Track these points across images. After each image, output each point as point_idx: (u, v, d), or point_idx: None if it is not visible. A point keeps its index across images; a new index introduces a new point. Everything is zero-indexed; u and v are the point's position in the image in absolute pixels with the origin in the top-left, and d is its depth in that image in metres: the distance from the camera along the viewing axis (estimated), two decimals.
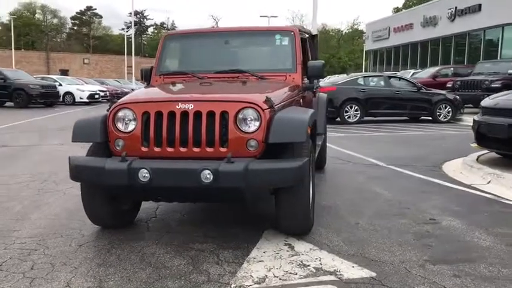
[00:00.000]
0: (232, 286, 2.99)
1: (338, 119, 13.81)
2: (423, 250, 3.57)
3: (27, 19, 75.93)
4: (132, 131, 3.65)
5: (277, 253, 3.53)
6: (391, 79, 14.66)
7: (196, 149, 3.55)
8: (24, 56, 55.59)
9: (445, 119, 14.01)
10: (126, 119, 3.69)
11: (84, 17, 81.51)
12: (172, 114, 3.57)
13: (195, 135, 3.54)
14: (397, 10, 63.53)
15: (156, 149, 3.60)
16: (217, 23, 77.96)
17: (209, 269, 3.26)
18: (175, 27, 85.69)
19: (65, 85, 25.54)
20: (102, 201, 3.88)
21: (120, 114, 3.70)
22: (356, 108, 13.59)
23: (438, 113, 14.10)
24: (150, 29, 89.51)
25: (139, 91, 4.45)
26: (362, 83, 14.05)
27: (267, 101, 3.60)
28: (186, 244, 3.73)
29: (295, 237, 3.84)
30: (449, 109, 14.06)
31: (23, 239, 3.87)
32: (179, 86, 4.54)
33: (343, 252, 3.54)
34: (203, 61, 5.09)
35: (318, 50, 6.68)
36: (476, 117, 6.79)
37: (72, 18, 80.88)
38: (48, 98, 21.99)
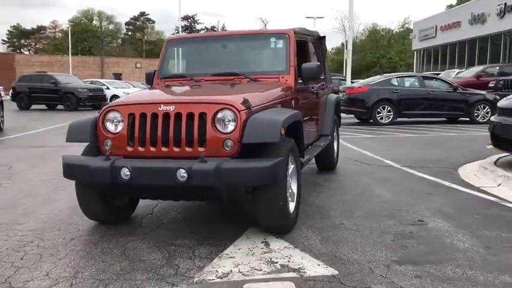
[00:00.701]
0: (195, 280, 3.14)
1: (371, 120, 13.64)
2: (396, 251, 3.58)
3: (85, 26, 79.22)
4: (119, 131, 3.87)
5: (251, 250, 3.64)
6: (426, 79, 14.31)
7: (176, 149, 3.73)
8: (80, 61, 58.09)
9: (483, 120, 13.52)
10: (115, 121, 3.92)
11: (137, 23, 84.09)
12: (155, 116, 3.77)
13: (175, 136, 3.72)
14: (450, 7, 61.55)
15: (140, 149, 3.81)
16: (265, 25, 78.47)
17: (180, 263, 3.42)
18: (225, 30, 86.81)
19: (112, 88, 26.60)
20: (94, 198, 4.12)
21: (109, 116, 3.94)
22: (389, 109, 13.37)
23: (476, 114, 13.64)
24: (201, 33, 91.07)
25: (133, 94, 4.69)
26: (395, 83, 13.81)
27: (244, 102, 3.73)
28: (168, 240, 3.91)
29: (274, 235, 3.94)
30: (488, 110, 13.56)
31: (24, 232, 4.18)
32: (171, 89, 4.75)
33: (315, 251, 3.60)
34: (202, 64, 5.28)
35: (325, 51, 6.70)
36: (493, 118, 6.60)
37: (127, 24, 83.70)
38: (96, 101, 22.95)
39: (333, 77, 21.03)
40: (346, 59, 19.04)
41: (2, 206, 5.03)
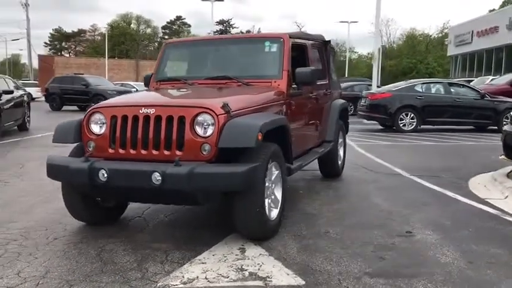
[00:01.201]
0: (158, 284, 3.11)
1: (394, 127, 13.33)
2: (373, 262, 3.45)
3: (123, 29, 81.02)
4: (101, 133, 3.90)
5: (224, 256, 3.59)
6: (452, 86, 13.89)
7: (155, 152, 3.73)
8: (116, 64, 59.38)
9: None
10: (99, 122, 3.96)
11: (174, 27, 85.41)
12: (136, 118, 3.77)
13: (154, 139, 3.71)
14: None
15: (121, 151, 3.82)
16: (300, 29, 78.31)
17: (150, 267, 3.40)
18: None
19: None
20: (78, 198, 4.15)
21: (93, 117, 3.97)
22: (412, 116, 13.04)
23: (505, 123, 13.10)
24: None
25: (122, 96, 4.72)
26: (419, 89, 13.46)
27: (224, 106, 3.68)
28: (147, 243, 3.90)
29: (253, 242, 3.87)
30: None
31: (13, 230, 4.25)
32: (159, 91, 4.77)
33: (289, 259, 3.52)
34: (197, 68, 5.28)
35: (332, 55, 6.59)
36: (506, 128, 6.32)
37: (163, 27, 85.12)
38: None
39: (361, 83, 20.67)
40: (372, 64, 18.64)
41: (0, 204, 5.15)
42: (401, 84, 14.53)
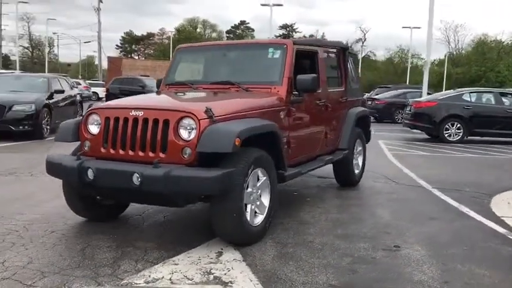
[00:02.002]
0: (122, 282, 3.22)
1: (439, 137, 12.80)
2: (342, 275, 3.38)
3: (189, 33, 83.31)
4: (96, 134, 4.09)
5: (199, 259, 3.65)
6: (504, 96, 13.13)
7: (141, 153, 3.85)
8: None
9: None
10: (95, 123, 4.15)
11: (238, 31, 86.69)
12: (126, 120, 3.92)
13: (141, 140, 3.84)
14: None
15: (112, 151, 3.99)
16: (364, 35, 77.04)
17: (124, 265, 3.52)
18: (325, 39, 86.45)
19: None
20: (77, 195, 4.35)
21: (90, 118, 4.17)
22: (458, 126, 12.47)
23: None
24: None
25: (123, 98, 4.90)
26: (467, 99, 12.84)
27: (207, 111, 3.75)
28: (133, 241, 4.03)
29: (234, 246, 3.90)
30: None
31: (18, 222, 4.53)
32: (159, 95, 4.90)
33: (260, 266, 3.52)
34: (203, 72, 5.39)
35: (352, 62, 6.48)
36: None
37: (227, 32, 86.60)
38: None
39: (414, 90, 19.97)
40: (423, 71, 18.00)
41: (16, 197, 5.47)
42: (449, 92, 13.94)
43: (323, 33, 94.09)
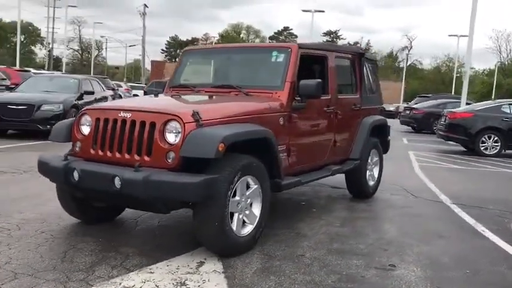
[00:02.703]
0: None
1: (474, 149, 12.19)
2: None
3: (232, 39, 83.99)
4: (86, 134, 4.03)
5: (177, 268, 3.51)
6: None
7: (127, 156, 3.76)
8: None
9: None
10: (86, 124, 4.09)
11: (280, 37, 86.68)
12: (116, 122, 3.85)
13: (127, 143, 3.75)
14: None
15: (100, 153, 3.92)
16: (411, 42, 75.38)
17: (99, 270, 3.42)
18: (370, 47, 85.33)
19: None
20: (68, 196, 4.30)
21: (82, 119, 4.12)
22: (496, 139, 11.82)
23: None
24: None
25: (117, 100, 4.84)
26: (507, 110, 12.13)
27: (194, 115, 3.62)
28: (118, 246, 3.93)
29: (218, 256, 3.74)
30: None
31: (14, 220, 4.52)
32: (158, 97, 4.81)
33: (238, 280, 3.35)
34: (207, 75, 5.28)
35: (370, 69, 6.20)
36: None
37: (270, 38, 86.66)
38: None
39: (456, 100, 19.20)
40: (463, 81, 17.28)
41: (24, 195, 5.51)
42: (487, 103, 13.27)
43: (368, 41, 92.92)
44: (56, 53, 63.52)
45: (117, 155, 3.80)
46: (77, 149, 4.07)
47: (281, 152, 4.39)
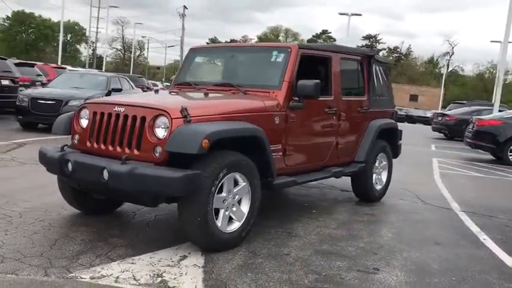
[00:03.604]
0: (70, 275, 3.22)
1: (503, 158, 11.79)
2: None
3: (270, 41, 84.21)
4: (83, 128, 4.17)
5: (159, 261, 3.58)
6: None
7: (119, 149, 3.86)
8: None
9: None
10: (84, 117, 4.23)
11: (319, 40, 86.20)
12: (110, 116, 3.96)
13: (120, 136, 3.86)
14: None
15: (95, 145, 4.04)
16: (452, 48, 73.46)
17: (82, 258, 3.54)
18: (410, 51, 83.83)
19: None
20: (68, 186, 4.45)
21: (81, 112, 4.26)
22: None
23: None
24: (381, 53, 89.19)
25: (116, 95, 4.96)
26: None
27: (182, 110, 3.68)
28: (108, 237, 4.05)
29: (201, 251, 3.80)
30: None
31: (18, 208, 4.70)
32: (158, 93, 4.93)
33: (215, 275, 3.39)
34: (211, 74, 5.35)
35: (381, 71, 6.11)
36: None
37: (308, 41, 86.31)
38: None
39: (489, 107, 18.61)
40: (497, 88, 16.73)
41: (34, 185, 5.70)
42: None
43: (409, 46, 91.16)
44: (99, 52, 65.44)
45: (110, 148, 3.91)
46: (75, 141, 4.21)
47: (276, 151, 4.41)
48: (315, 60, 5.12)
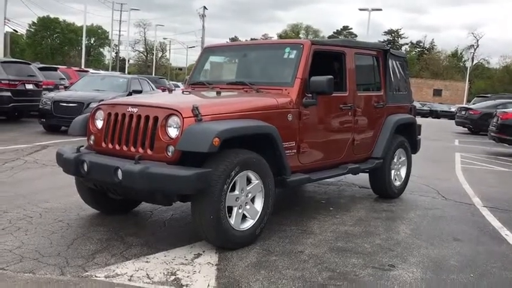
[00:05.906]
0: (84, 274, 3.27)
1: None
2: None
3: (289, 39, 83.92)
4: (99, 128, 4.22)
5: (173, 259, 3.61)
6: None
7: (133, 149, 3.91)
8: None
9: None
10: (100, 118, 4.29)
11: (340, 36, 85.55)
12: (124, 116, 4.01)
13: (134, 136, 3.90)
14: None
15: (110, 146, 4.09)
16: (477, 41, 71.91)
17: (98, 257, 3.58)
18: (434, 45, 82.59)
19: None
20: (85, 187, 4.51)
21: (96, 113, 4.32)
22: None
23: None
24: (403, 48, 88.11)
25: (136, 95, 5.00)
26: None
27: (193, 110, 3.70)
28: (124, 236, 4.10)
29: (216, 249, 3.82)
30: None
31: (38, 209, 4.80)
32: (172, 93, 4.95)
33: (228, 273, 3.40)
34: (225, 72, 5.34)
35: (398, 66, 6.03)
36: None
37: (329, 37, 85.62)
38: None
39: (510, 100, 18.11)
40: None
41: (55, 186, 5.80)
42: None
43: (432, 40, 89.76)
44: (122, 54, 66.24)
45: (124, 148, 3.96)
46: (91, 142, 4.27)
47: (289, 148, 4.39)
48: (329, 56, 5.08)
